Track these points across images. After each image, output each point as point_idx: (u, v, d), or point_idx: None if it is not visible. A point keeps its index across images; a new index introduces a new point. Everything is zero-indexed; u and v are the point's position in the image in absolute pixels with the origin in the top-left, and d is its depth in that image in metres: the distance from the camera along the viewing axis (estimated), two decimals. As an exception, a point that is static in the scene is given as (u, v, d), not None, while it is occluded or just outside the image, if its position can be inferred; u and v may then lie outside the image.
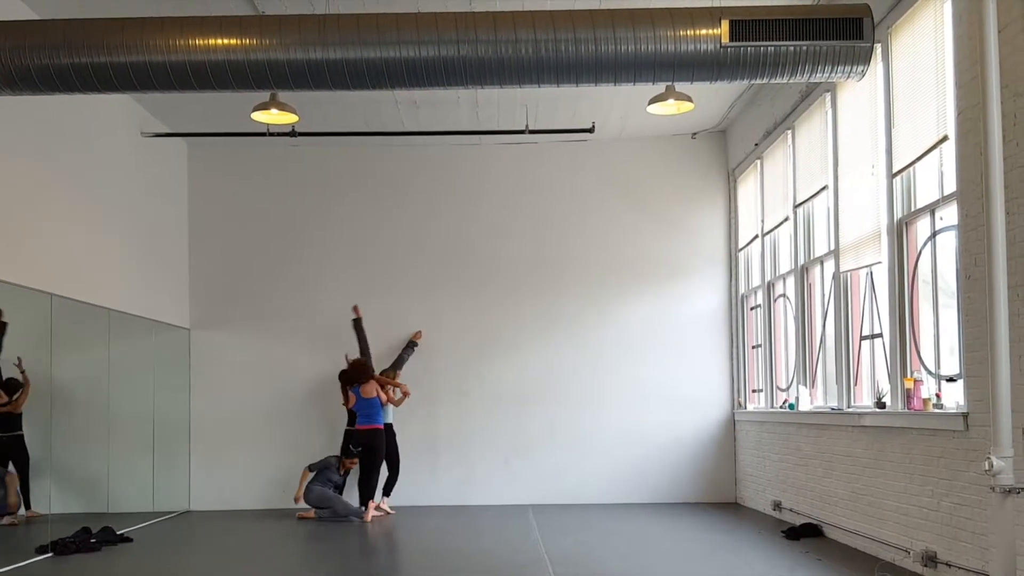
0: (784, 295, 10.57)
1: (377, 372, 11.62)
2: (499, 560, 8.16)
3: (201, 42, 6.66)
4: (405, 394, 11.73)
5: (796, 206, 9.84)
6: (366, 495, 11.20)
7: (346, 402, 11.49)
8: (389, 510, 11.48)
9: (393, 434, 11.65)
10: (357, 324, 12.03)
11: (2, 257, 7.89)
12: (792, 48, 6.62)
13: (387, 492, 11.65)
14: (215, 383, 12.38)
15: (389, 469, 11.66)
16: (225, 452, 12.29)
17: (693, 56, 6.66)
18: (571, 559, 8.11)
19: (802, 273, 9.78)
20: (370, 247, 12.54)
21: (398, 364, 12.08)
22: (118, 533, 9.58)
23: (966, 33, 6.13)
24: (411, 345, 12.23)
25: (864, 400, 8.32)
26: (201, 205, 12.56)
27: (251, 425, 12.32)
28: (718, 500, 12.17)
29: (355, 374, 11.30)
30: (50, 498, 9.08)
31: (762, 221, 11.12)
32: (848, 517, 8.31)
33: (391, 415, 11.64)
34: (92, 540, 9.12)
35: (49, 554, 8.64)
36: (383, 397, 11.25)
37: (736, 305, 12.26)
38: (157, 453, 11.36)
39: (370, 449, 11.23)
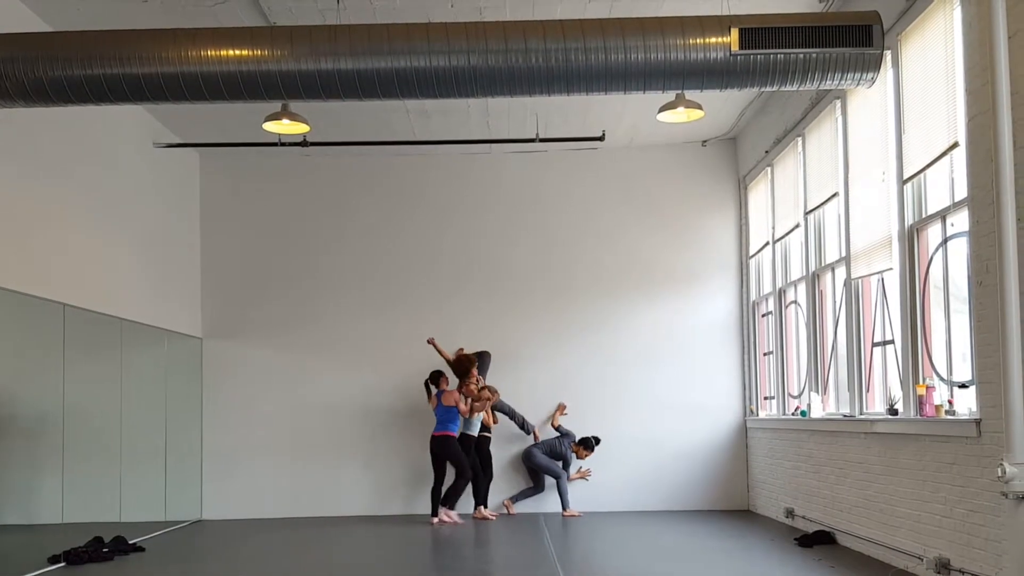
0: (795, 302, 10.56)
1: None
2: (511, 568, 8.17)
3: (213, 53, 6.70)
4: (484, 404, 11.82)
5: (807, 213, 9.83)
6: (433, 501, 11.30)
7: (430, 399, 11.62)
8: (458, 519, 11.43)
9: (471, 444, 11.65)
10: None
11: (15, 267, 7.94)
12: (802, 56, 6.63)
13: (480, 502, 11.77)
14: (227, 392, 12.41)
15: (474, 478, 11.70)
16: (237, 461, 12.31)
17: (703, 64, 6.68)
18: (583, 567, 8.10)
19: (813, 280, 9.77)
20: (381, 255, 12.58)
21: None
22: (130, 543, 9.61)
23: (976, 39, 6.13)
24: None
25: (876, 407, 8.30)
26: (213, 215, 12.62)
27: (263, 434, 12.34)
28: (730, 507, 12.15)
29: (457, 368, 11.54)
30: (62, 508, 9.10)
31: (773, 228, 11.11)
32: (861, 524, 8.28)
33: (475, 427, 11.69)
34: (104, 550, 9.14)
35: (62, 564, 8.66)
36: (462, 408, 11.37)
37: (747, 312, 12.25)
38: (169, 462, 11.39)
39: (436, 456, 11.34)
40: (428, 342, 11.73)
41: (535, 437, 12.11)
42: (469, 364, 11.57)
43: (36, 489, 8.83)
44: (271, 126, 9.56)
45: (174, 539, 10.47)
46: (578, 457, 12.00)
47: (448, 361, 11.72)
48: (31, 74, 6.72)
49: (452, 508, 11.36)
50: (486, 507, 11.74)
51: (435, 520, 11.20)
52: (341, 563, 8.77)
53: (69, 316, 8.97)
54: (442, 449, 11.32)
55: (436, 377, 11.62)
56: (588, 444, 11.96)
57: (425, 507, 11.91)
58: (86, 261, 9.34)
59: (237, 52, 6.69)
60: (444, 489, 11.42)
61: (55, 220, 8.74)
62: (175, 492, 11.59)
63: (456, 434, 11.41)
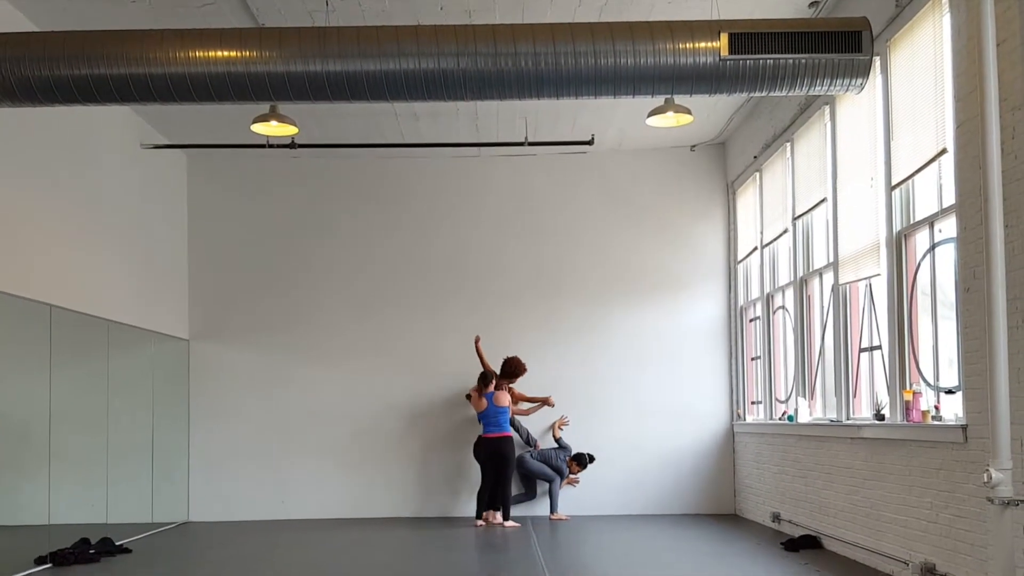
0: (783, 307, 10.58)
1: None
2: (498, 572, 8.14)
3: (201, 54, 6.67)
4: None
5: (795, 218, 9.85)
6: (505, 505, 11.25)
7: (476, 406, 11.56)
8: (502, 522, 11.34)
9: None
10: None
11: (1, 268, 7.90)
12: (791, 61, 6.63)
13: (494, 506, 11.58)
14: (214, 394, 12.36)
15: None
16: (224, 463, 12.26)
17: (692, 69, 6.67)
18: (570, 571, 8.09)
19: (801, 285, 9.79)
20: (369, 257, 12.55)
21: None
22: (117, 544, 9.57)
23: (965, 46, 6.15)
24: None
25: (863, 412, 8.31)
26: (200, 216, 12.57)
27: (250, 436, 12.29)
28: (717, 511, 12.16)
29: (510, 370, 11.56)
30: (48, 509, 9.05)
31: (761, 233, 11.13)
32: (847, 529, 8.30)
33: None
34: (91, 551, 9.10)
35: (48, 565, 8.63)
36: (516, 409, 11.42)
37: (735, 317, 12.26)
38: (156, 464, 11.35)
39: (502, 457, 11.28)
40: (475, 341, 11.72)
41: (535, 448, 12.10)
42: (522, 369, 11.63)
43: (22, 490, 8.79)
44: (259, 128, 9.53)
45: (161, 541, 10.42)
46: (569, 471, 11.99)
47: (484, 364, 11.62)
48: (17, 74, 6.67)
49: (508, 517, 11.21)
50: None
51: (479, 523, 11.22)
52: (326, 565, 8.74)
53: (55, 317, 8.93)
54: (504, 448, 11.26)
55: (487, 379, 11.52)
56: (582, 461, 11.95)
57: (408, 509, 11.91)
58: (72, 262, 9.29)
59: (225, 53, 6.66)
60: (486, 497, 11.37)
61: (41, 221, 8.70)
62: (162, 494, 11.55)
63: (511, 434, 11.43)
